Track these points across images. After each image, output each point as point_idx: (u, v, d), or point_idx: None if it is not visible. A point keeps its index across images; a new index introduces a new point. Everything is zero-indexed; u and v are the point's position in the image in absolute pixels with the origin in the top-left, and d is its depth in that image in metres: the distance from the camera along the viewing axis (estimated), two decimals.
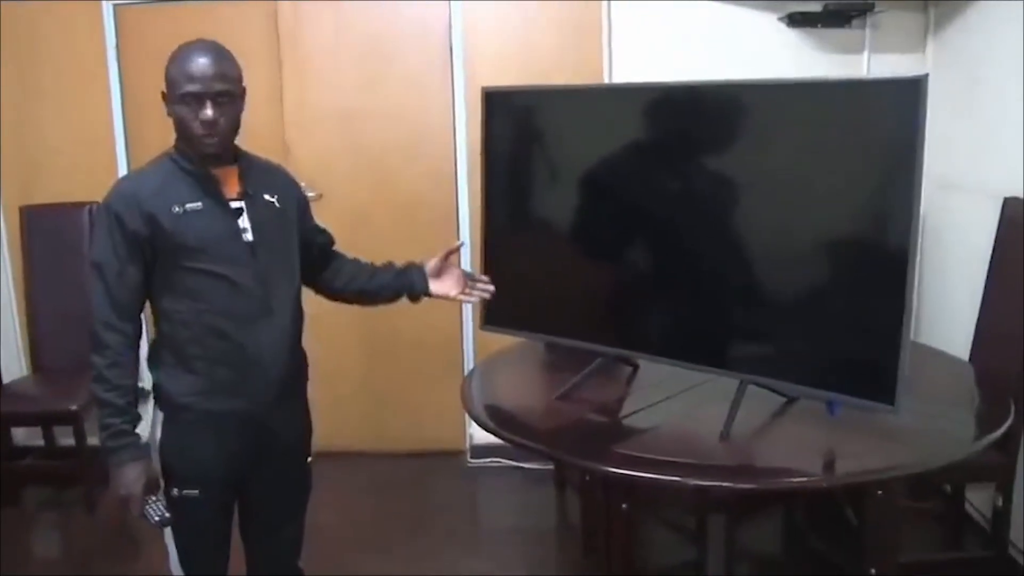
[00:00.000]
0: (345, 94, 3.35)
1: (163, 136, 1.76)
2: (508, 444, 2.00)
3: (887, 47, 3.13)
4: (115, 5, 3.35)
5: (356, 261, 2.03)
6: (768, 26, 3.14)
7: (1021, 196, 2.47)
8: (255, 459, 1.79)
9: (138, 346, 1.71)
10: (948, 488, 2.72)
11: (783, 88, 1.97)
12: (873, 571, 2.07)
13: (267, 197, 1.77)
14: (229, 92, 1.66)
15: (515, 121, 2.31)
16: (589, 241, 2.21)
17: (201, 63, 1.63)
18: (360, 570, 2.70)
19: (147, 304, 1.74)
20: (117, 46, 3.37)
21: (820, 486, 2.07)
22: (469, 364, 3.42)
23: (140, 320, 1.71)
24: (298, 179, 1.97)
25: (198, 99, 1.63)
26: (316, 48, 3.33)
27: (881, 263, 1.70)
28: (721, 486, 1.94)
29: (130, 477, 1.67)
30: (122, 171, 3.34)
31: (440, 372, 3.41)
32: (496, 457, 3.41)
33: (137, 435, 1.69)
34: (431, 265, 2.00)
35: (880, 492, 2.02)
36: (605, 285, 2.19)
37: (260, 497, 1.85)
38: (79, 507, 3.17)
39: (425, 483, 3.37)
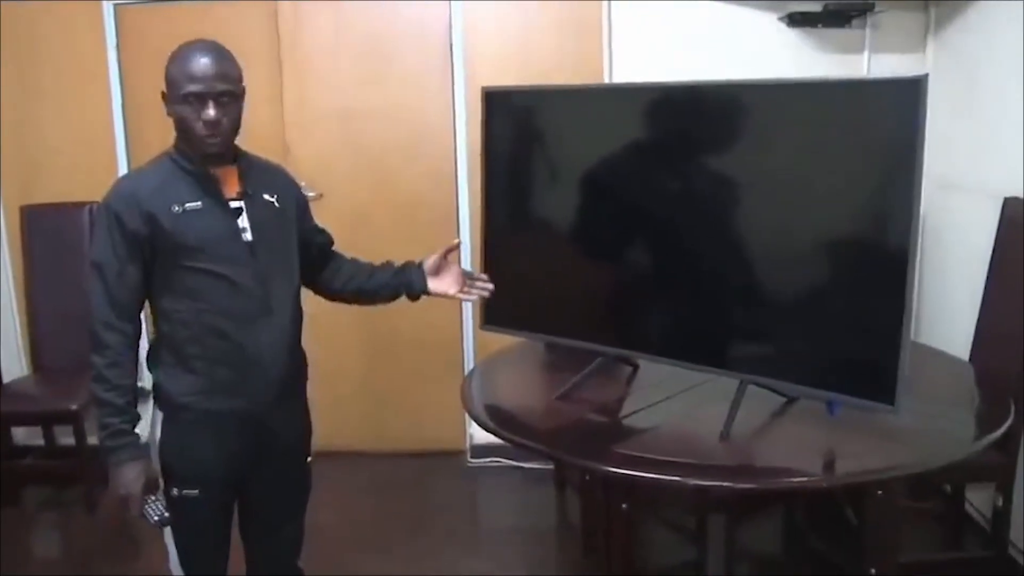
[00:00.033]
0: (345, 94, 3.35)
1: (163, 136, 1.76)
2: (508, 444, 2.00)
3: (887, 47, 3.13)
4: (115, 5, 3.35)
5: (355, 261, 2.03)
6: (768, 26, 3.14)
7: (1021, 196, 2.47)
8: (255, 459, 1.80)
9: (138, 346, 1.71)
10: (948, 488, 2.72)
11: (783, 88, 1.97)
12: (873, 571, 2.07)
13: (267, 197, 1.77)
14: (231, 92, 1.67)
15: (515, 121, 2.31)
16: (589, 241, 2.21)
17: (203, 63, 1.63)
18: (360, 570, 2.70)
19: (147, 304, 1.74)
20: (117, 46, 3.37)
21: (820, 486, 2.07)
22: (469, 364, 3.42)
23: (140, 320, 1.72)
24: (298, 179, 1.97)
25: (200, 99, 1.63)
26: (316, 48, 3.33)
27: (881, 263, 1.70)
28: (721, 486, 1.94)
29: (129, 477, 1.67)
30: (122, 171, 3.34)
31: (440, 372, 3.41)
32: (496, 457, 3.41)
33: (136, 435, 1.69)
34: (429, 263, 2.00)
35: (880, 492, 2.02)
36: (605, 285, 2.19)
37: (260, 497, 1.85)
38: (79, 507, 3.18)
39: (425, 483, 3.38)
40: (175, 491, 1.74)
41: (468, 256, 3.26)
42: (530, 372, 2.58)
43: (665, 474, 1.76)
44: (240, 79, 1.70)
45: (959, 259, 2.91)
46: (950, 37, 2.99)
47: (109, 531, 3.00)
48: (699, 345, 2.00)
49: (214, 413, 1.73)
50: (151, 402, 1.76)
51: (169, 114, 1.69)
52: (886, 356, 1.68)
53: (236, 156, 1.75)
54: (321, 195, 3.33)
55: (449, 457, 3.50)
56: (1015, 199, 2.50)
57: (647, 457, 1.81)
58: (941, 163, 2.84)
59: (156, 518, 1.69)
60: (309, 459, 1.94)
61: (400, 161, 3.39)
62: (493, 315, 2.28)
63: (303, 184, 3.14)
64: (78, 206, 3.29)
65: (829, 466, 1.87)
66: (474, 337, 3.42)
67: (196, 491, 1.74)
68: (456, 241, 2.09)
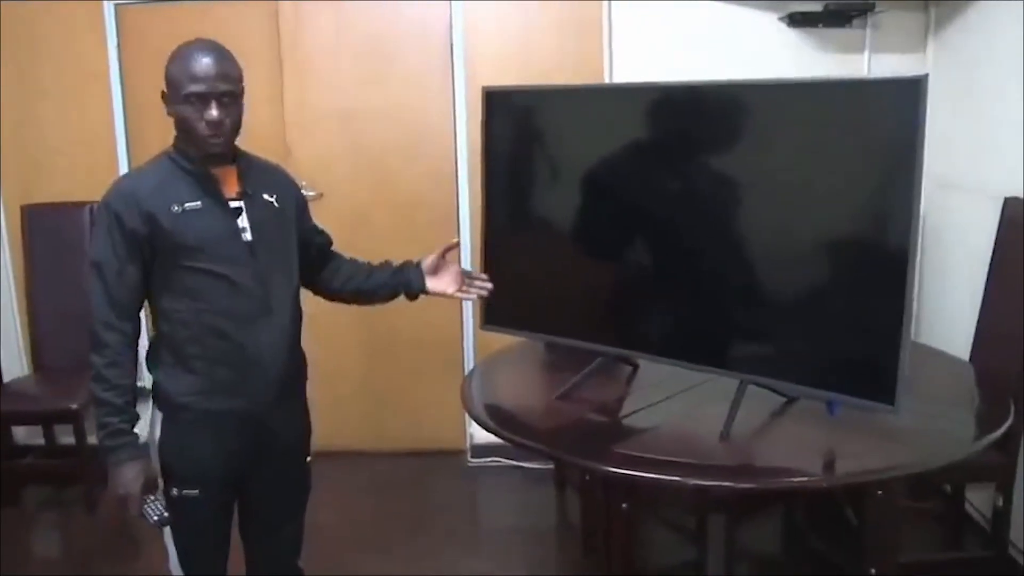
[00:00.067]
0: (346, 94, 3.35)
1: (164, 136, 1.76)
2: (508, 444, 2.00)
3: (887, 47, 3.13)
4: (116, 5, 3.35)
5: (353, 261, 2.03)
6: (768, 26, 3.14)
7: (1021, 196, 2.47)
8: (255, 459, 1.79)
9: (137, 345, 1.71)
10: (948, 488, 2.72)
11: (783, 88, 1.97)
12: (873, 571, 2.07)
13: (266, 197, 1.77)
14: (233, 92, 1.67)
15: (515, 121, 2.31)
16: (589, 241, 2.21)
17: (205, 63, 1.63)
18: (360, 570, 2.70)
19: (146, 303, 1.74)
20: (118, 46, 3.37)
21: (820, 486, 2.07)
22: (469, 364, 3.42)
23: (139, 319, 1.71)
24: (298, 179, 1.97)
25: (203, 99, 1.63)
26: (316, 48, 3.33)
27: (881, 263, 1.70)
28: (721, 486, 1.94)
29: (128, 476, 1.67)
30: (123, 170, 3.33)
31: (440, 372, 3.41)
32: (496, 457, 3.41)
33: (135, 434, 1.69)
34: (428, 263, 2.00)
35: (880, 492, 2.02)
36: (605, 285, 2.19)
37: (260, 497, 1.85)
38: (79, 506, 3.18)
39: (425, 483, 3.38)
40: (175, 491, 1.74)
41: (468, 256, 3.26)
42: (530, 372, 2.58)
43: (665, 474, 1.76)
44: (241, 79, 1.70)
45: (959, 259, 2.91)
46: (950, 37, 2.99)
47: (109, 531, 3.00)
48: (699, 345, 2.00)
49: (214, 413, 1.72)
50: (150, 402, 1.76)
51: (170, 114, 1.69)
52: (886, 356, 1.68)
53: (235, 156, 1.75)
54: (321, 195, 3.34)
55: (449, 457, 3.50)
56: (1015, 199, 2.50)
57: (647, 457, 1.81)
58: (941, 163, 2.84)
59: (155, 518, 1.69)
60: (309, 459, 1.94)
61: (400, 161, 3.39)
62: (493, 315, 2.28)
63: (303, 184, 3.15)
64: (79, 206, 3.29)
65: (829, 466, 1.87)
66: (474, 337, 3.42)
67: (196, 491, 1.74)
68: (454, 240, 2.09)
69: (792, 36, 3.14)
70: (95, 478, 3.02)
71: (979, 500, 2.69)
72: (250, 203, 1.73)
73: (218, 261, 1.68)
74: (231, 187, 1.73)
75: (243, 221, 1.72)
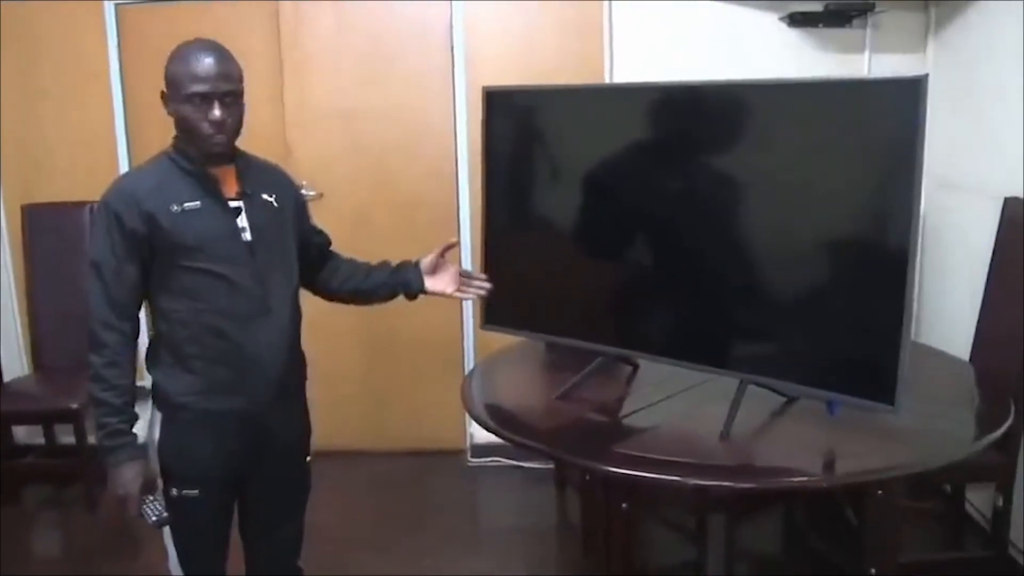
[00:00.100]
0: (346, 94, 3.35)
1: (164, 135, 1.76)
2: (508, 443, 2.00)
3: (887, 47, 3.13)
4: (116, 4, 3.35)
5: (352, 261, 2.03)
6: (769, 26, 3.14)
7: (1021, 196, 2.47)
8: (254, 459, 1.79)
9: (136, 345, 1.71)
10: (948, 488, 2.72)
11: (784, 88, 1.96)
12: (873, 571, 2.07)
13: (265, 196, 1.77)
14: (234, 92, 1.67)
15: (516, 121, 2.31)
16: (590, 241, 2.21)
17: (207, 63, 1.63)
18: (360, 569, 2.70)
19: (145, 303, 1.74)
20: (118, 45, 3.37)
21: (820, 486, 2.07)
22: (469, 363, 3.42)
23: (138, 319, 1.71)
24: (297, 179, 1.97)
25: (205, 99, 1.63)
26: (317, 48, 3.33)
27: (881, 263, 1.70)
28: (721, 485, 1.94)
29: (127, 477, 1.67)
30: (123, 170, 3.33)
31: (440, 371, 3.41)
32: (496, 456, 3.41)
33: (134, 435, 1.69)
34: (427, 262, 2.00)
35: (880, 492, 2.02)
36: (605, 285, 2.19)
37: (259, 497, 1.85)
38: (79, 506, 3.18)
39: (425, 482, 3.38)
40: (174, 491, 1.74)
41: (468, 256, 3.26)
42: (530, 372, 2.58)
43: (665, 474, 1.76)
44: (241, 79, 1.70)
45: (959, 259, 2.90)
46: (950, 37, 2.99)
47: (109, 530, 3.00)
48: (699, 345, 2.00)
49: (213, 413, 1.72)
50: (149, 402, 1.76)
51: (170, 114, 1.69)
52: (886, 356, 1.68)
53: (234, 156, 1.75)
54: (321, 195, 3.34)
55: (449, 456, 3.50)
56: (1015, 199, 2.50)
57: (647, 457, 1.81)
58: (941, 163, 2.84)
59: (154, 518, 1.69)
60: (308, 459, 1.94)
61: (401, 161, 3.39)
62: (493, 315, 2.28)
63: (303, 184, 3.16)
64: (79, 205, 3.29)
65: (829, 466, 1.87)
66: (474, 337, 3.42)
67: (195, 491, 1.74)
68: (453, 240, 2.08)
69: (792, 36, 3.14)
70: (95, 478, 3.02)
71: (979, 500, 2.69)
72: (249, 203, 1.73)
73: (217, 261, 1.68)
74: (230, 187, 1.72)
75: (242, 221, 1.72)
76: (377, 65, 3.33)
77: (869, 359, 1.75)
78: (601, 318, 2.20)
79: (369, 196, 3.40)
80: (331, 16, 3.31)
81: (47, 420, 3.39)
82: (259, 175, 1.79)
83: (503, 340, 2.52)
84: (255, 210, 1.74)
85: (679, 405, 2.07)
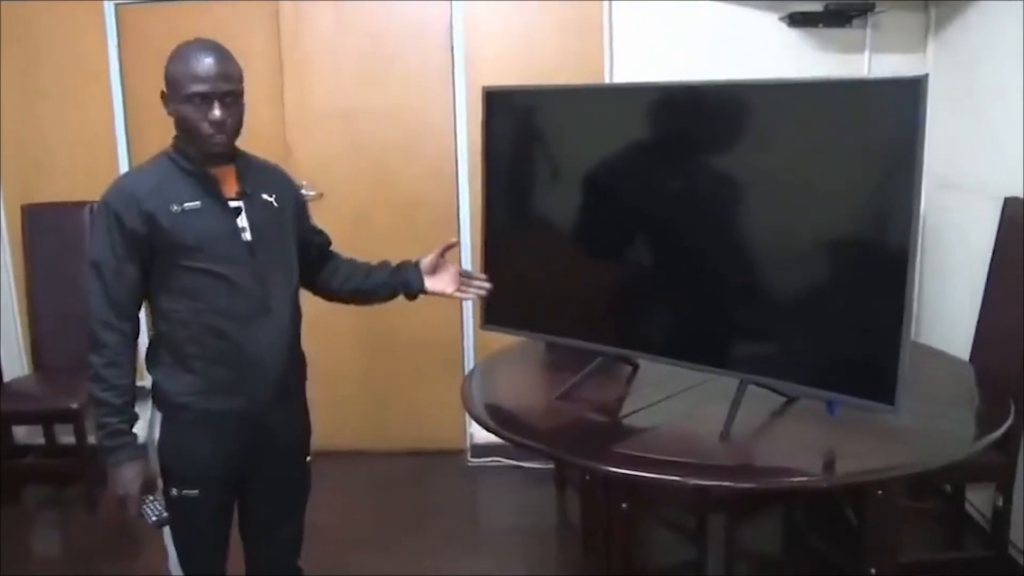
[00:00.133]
0: (346, 94, 3.35)
1: (164, 135, 1.76)
2: (508, 443, 2.00)
3: (887, 47, 3.13)
4: (116, 4, 3.35)
5: (352, 261, 2.03)
6: (769, 26, 3.14)
7: (1021, 196, 2.47)
8: (254, 459, 1.79)
9: (136, 345, 1.71)
10: (948, 488, 2.72)
11: (784, 88, 1.96)
12: (873, 571, 2.07)
13: (265, 196, 1.77)
14: (234, 92, 1.67)
15: (516, 121, 2.31)
16: (590, 241, 2.21)
17: (207, 63, 1.63)
18: (360, 569, 2.70)
19: (145, 303, 1.74)
20: (118, 45, 3.37)
21: (820, 486, 2.07)
22: (469, 363, 3.42)
23: (138, 319, 1.71)
24: (297, 179, 1.97)
25: (206, 99, 1.63)
26: (317, 48, 3.33)
27: (881, 263, 1.70)
28: (721, 485, 1.94)
29: (127, 477, 1.67)
30: (123, 170, 3.33)
31: (440, 371, 3.41)
32: (496, 456, 3.41)
33: (134, 435, 1.69)
34: (426, 262, 2.00)
35: (880, 492, 2.02)
36: (605, 285, 2.19)
37: (259, 497, 1.85)
38: (79, 505, 3.18)
39: (425, 482, 3.38)
40: (174, 491, 1.74)
41: (468, 256, 3.26)
42: (530, 372, 2.58)
43: (665, 474, 1.76)
44: (241, 79, 1.70)
45: (959, 259, 2.91)
46: (950, 37, 2.99)
47: (109, 530, 3.00)
48: (699, 345, 2.00)
49: (213, 413, 1.72)
50: (149, 402, 1.76)
51: (170, 114, 1.69)
52: (886, 356, 1.68)
53: (234, 156, 1.75)
54: (322, 195, 3.34)
55: (449, 456, 3.50)
56: (1015, 199, 2.50)
57: (647, 457, 1.81)
58: (941, 163, 2.84)
59: (154, 518, 1.69)
60: (308, 458, 1.94)
61: (401, 161, 3.39)
62: (493, 315, 2.28)
63: (303, 184, 3.16)
64: (79, 205, 3.29)
65: (829, 466, 1.87)
66: (474, 337, 3.42)
67: (196, 491, 1.74)
68: (453, 240, 2.08)
69: (792, 36, 3.14)
70: (95, 478, 3.02)
71: (979, 500, 2.69)
72: (249, 203, 1.73)
73: (217, 261, 1.68)
74: (230, 187, 1.72)
75: (242, 221, 1.72)
76: (377, 65, 3.33)
77: (869, 359, 1.75)
78: (601, 318, 2.20)
79: (369, 196, 3.40)
80: (331, 16, 3.31)
81: (47, 420, 3.39)
82: (259, 175, 1.79)
83: (503, 340, 2.52)
84: (255, 210, 1.74)
85: (679, 405, 2.07)
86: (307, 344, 1.89)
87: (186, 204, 1.66)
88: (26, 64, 3.39)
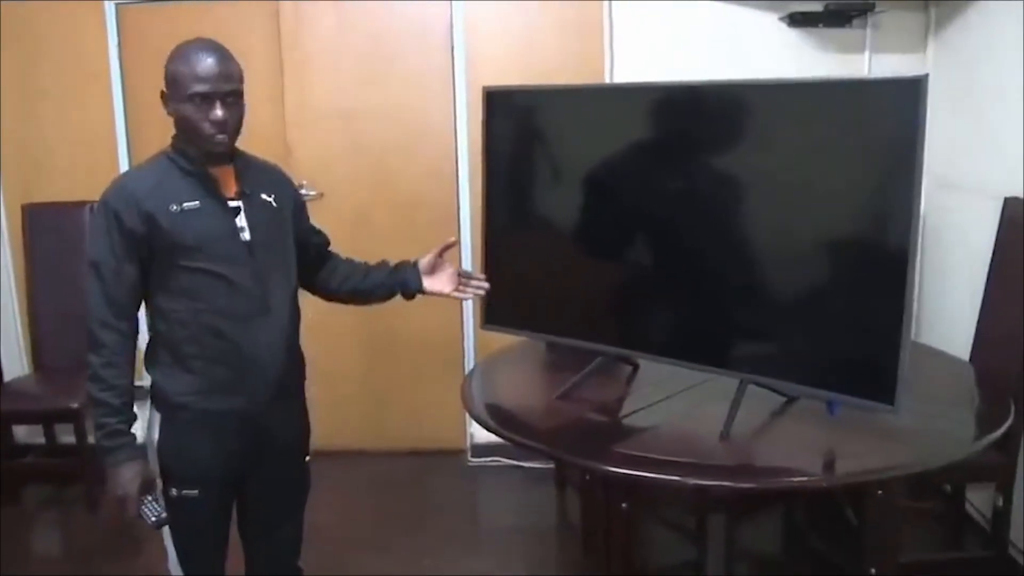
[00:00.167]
0: (346, 94, 3.35)
1: (164, 135, 1.76)
2: (508, 443, 2.00)
3: (887, 47, 3.13)
4: (117, 4, 3.35)
5: (350, 261, 2.03)
6: (769, 26, 3.14)
7: (1021, 196, 2.47)
8: (254, 458, 1.79)
9: (135, 345, 1.71)
10: (948, 488, 2.72)
11: (784, 88, 1.96)
12: (873, 571, 2.07)
13: (264, 196, 1.77)
14: (235, 92, 1.67)
15: (516, 121, 2.31)
16: (590, 241, 2.21)
17: (208, 63, 1.63)
18: (360, 569, 2.70)
19: (144, 303, 1.74)
20: (119, 45, 3.37)
21: (820, 486, 2.07)
22: (469, 363, 3.42)
23: (137, 319, 1.71)
24: (297, 179, 1.97)
25: (207, 99, 1.63)
26: (317, 48, 3.33)
27: (881, 263, 1.70)
28: (721, 485, 1.94)
29: (126, 477, 1.67)
30: (123, 170, 3.32)
31: (440, 371, 3.41)
32: (496, 456, 3.41)
33: (133, 435, 1.69)
34: (425, 262, 2.00)
35: (880, 492, 2.02)
36: (606, 285, 2.19)
37: (259, 496, 1.85)
38: (80, 505, 3.18)
39: (425, 482, 3.38)
40: (174, 491, 1.74)
41: (468, 256, 3.27)
42: (530, 371, 2.58)
43: (665, 474, 1.76)
44: (242, 78, 1.70)
45: (959, 259, 2.90)
46: (950, 37, 2.99)
47: (109, 530, 3.00)
48: (699, 345, 2.00)
49: (212, 413, 1.72)
50: (148, 402, 1.76)
51: (170, 114, 1.69)
52: (886, 356, 1.68)
53: (233, 156, 1.75)
54: (322, 195, 3.34)
55: (449, 456, 3.50)
56: (1015, 199, 2.50)
57: (647, 457, 1.81)
58: (941, 163, 2.84)
59: (154, 519, 1.68)
60: (308, 458, 1.94)
61: (401, 161, 3.39)
62: (494, 314, 2.28)
63: (303, 184, 3.16)
64: (79, 205, 3.29)
65: (829, 466, 1.87)
66: (474, 336, 3.42)
67: (195, 491, 1.74)
68: (452, 240, 2.08)
69: (792, 36, 3.14)
70: (95, 477, 3.01)
71: (979, 500, 2.69)
72: (248, 203, 1.73)
73: (216, 261, 1.68)
74: (229, 187, 1.72)
75: (241, 221, 1.71)
76: (377, 65, 3.33)
77: (869, 359, 1.75)
78: (601, 318, 2.20)
79: (369, 196, 3.40)
80: (331, 16, 3.31)
81: (47, 420, 3.40)
82: (258, 175, 1.79)
83: (503, 340, 2.52)
84: (254, 210, 1.74)
85: (679, 405, 2.07)
86: (307, 344, 1.89)
87: (185, 204, 1.66)
88: (26, 64, 3.39)
